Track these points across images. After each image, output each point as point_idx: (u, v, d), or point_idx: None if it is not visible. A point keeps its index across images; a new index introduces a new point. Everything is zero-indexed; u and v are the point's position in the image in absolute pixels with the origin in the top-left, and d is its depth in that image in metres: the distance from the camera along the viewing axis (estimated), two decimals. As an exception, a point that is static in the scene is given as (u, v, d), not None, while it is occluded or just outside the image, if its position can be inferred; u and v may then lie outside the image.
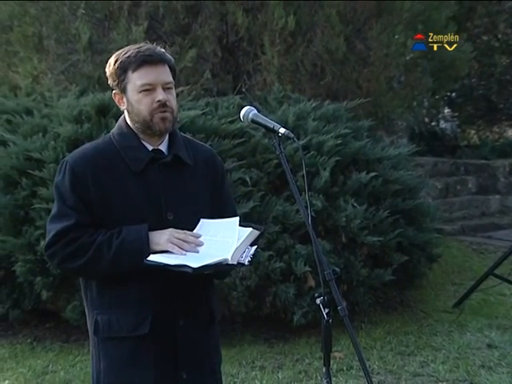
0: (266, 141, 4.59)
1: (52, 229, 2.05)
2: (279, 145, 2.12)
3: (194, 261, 1.94)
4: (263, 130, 2.22)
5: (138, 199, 2.06)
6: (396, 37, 6.25)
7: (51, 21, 5.94)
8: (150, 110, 2.06)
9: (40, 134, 4.73)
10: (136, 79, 2.06)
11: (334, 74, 6.04)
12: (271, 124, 2.14)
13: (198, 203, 2.15)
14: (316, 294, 2.00)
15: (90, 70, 5.78)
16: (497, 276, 5.34)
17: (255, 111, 2.20)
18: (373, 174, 4.86)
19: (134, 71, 2.06)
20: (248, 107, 2.21)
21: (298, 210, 4.40)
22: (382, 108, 6.39)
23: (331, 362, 2.07)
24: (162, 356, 2.07)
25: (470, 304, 5.33)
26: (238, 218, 2.09)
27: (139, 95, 2.07)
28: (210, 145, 4.60)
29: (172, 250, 1.99)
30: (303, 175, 2.16)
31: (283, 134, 2.10)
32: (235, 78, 6.10)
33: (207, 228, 2.08)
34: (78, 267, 2.04)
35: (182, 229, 2.04)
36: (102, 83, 5.64)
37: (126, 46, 2.17)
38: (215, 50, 5.93)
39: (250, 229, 2.07)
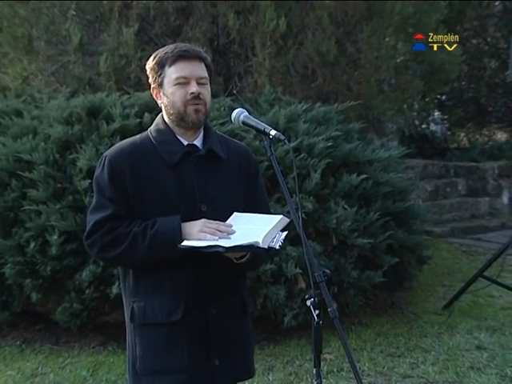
0: (257, 143, 4.59)
1: (91, 219, 2.16)
2: (270, 147, 2.14)
3: (225, 243, 2.02)
4: (254, 131, 2.23)
5: (173, 191, 2.15)
6: (386, 39, 6.27)
7: (41, 22, 5.92)
8: (184, 101, 2.15)
9: (30, 136, 4.71)
10: (172, 73, 2.16)
11: (325, 76, 6.06)
12: (262, 126, 2.15)
13: (231, 196, 2.22)
14: (306, 296, 2.01)
15: (80, 72, 5.76)
16: (486, 278, 5.37)
17: (246, 113, 2.21)
18: (363, 176, 4.87)
19: (170, 66, 2.17)
20: (239, 109, 2.22)
21: (288, 212, 4.38)
22: (372, 110, 6.41)
23: (322, 364, 2.07)
24: (194, 343, 2.15)
25: (459, 306, 5.36)
26: (278, 216, 2.15)
27: (174, 88, 2.16)
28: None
29: (204, 238, 2.06)
30: (294, 177, 2.19)
31: (274, 136, 2.12)
32: (226, 80, 6.10)
33: (240, 220, 2.15)
34: (115, 256, 2.14)
35: (215, 220, 2.11)
36: (92, 85, 5.63)
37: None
38: (206, 51, 5.89)
39: (281, 216, 2.15)
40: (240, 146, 2.38)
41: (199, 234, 2.07)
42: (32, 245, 4.41)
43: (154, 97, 2.24)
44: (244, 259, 2.13)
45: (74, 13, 5.82)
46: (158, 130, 2.22)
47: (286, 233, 2.14)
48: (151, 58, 2.22)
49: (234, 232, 2.09)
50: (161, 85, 2.19)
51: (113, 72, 5.53)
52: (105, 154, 2.21)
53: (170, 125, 2.22)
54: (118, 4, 5.77)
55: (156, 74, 2.19)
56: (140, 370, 2.18)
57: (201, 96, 2.15)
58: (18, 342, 4.69)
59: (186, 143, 2.21)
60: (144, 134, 2.27)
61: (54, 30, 5.91)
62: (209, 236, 2.06)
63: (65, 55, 5.89)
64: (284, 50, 5.91)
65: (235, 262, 2.13)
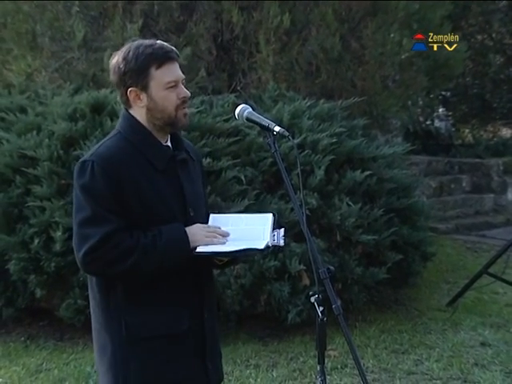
0: (261, 139, 4.58)
1: (92, 233, 1.98)
2: (274, 143, 2.13)
3: (233, 246, 2.03)
4: (258, 128, 2.22)
5: (168, 196, 2.09)
6: (391, 36, 6.25)
7: (45, 18, 5.92)
8: (175, 105, 2.08)
9: (34, 132, 4.72)
10: (161, 76, 2.06)
11: (329, 72, 6.04)
12: (266, 122, 2.14)
13: (202, 198, 2.24)
14: (310, 293, 2.00)
15: (84, 68, 5.75)
16: (490, 274, 5.36)
17: (250, 109, 2.20)
18: (367, 172, 4.87)
19: (157, 68, 2.06)
20: (243, 105, 2.21)
21: (292, 209, 4.39)
22: (376, 107, 6.39)
23: (326, 361, 2.07)
24: (193, 349, 2.13)
25: (463, 302, 5.34)
26: (268, 215, 2.16)
27: (165, 92, 2.07)
28: (204, 143, 4.63)
29: (211, 243, 2.05)
30: (298, 174, 2.17)
31: (278, 133, 2.11)
32: (230, 77, 6.09)
33: (222, 222, 2.14)
34: (122, 271, 2.00)
35: (201, 223, 2.11)
36: (96, 81, 5.63)
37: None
38: (210, 48, 5.92)
39: (271, 214, 2.16)
40: (190, 143, 2.36)
41: (205, 240, 2.05)
42: (36, 241, 4.41)
43: (131, 99, 2.08)
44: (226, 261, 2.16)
45: (78, 9, 5.81)
46: (136, 132, 2.09)
47: (283, 229, 2.13)
48: (130, 57, 2.06)
49: (229, 234, 2.09)
50: (145, 88, 2.05)
51: (117, 68, 5.52)
52: (89, 159, 2.04)
53: (149, 127, 2.10)
54: (122, 0, 5.76)
55: (138, 76, 2.04)
56: (135, 383, 2.08)
57: (188, 99, 2.13)
58: (23, 338, 4.70)
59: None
60: (118, 136, 2.11)
61: (57, 27, 5.91)
62: (215, 240, 2.05)
63: (69, 51, 5.88)
64: (288, 47, 5.90)
65: (219, 264, 2.15)
